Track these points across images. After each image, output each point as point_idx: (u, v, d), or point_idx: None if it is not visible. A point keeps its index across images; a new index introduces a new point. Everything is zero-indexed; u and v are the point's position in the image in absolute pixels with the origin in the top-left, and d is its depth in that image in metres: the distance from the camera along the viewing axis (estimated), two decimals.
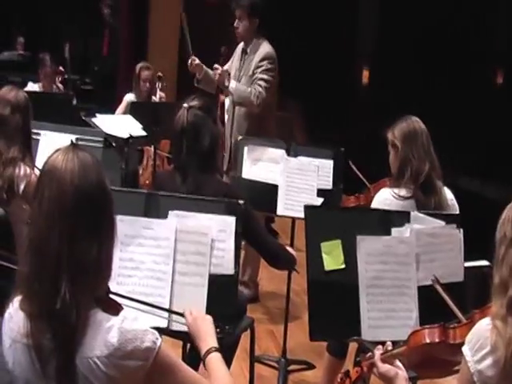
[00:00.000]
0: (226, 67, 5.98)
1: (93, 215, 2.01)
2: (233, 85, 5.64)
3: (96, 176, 2.04)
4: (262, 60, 5.66)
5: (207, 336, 2.44)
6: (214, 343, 2.41)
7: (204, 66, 5.83)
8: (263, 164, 4.74)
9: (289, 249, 3.97)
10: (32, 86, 8.34)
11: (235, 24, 5.78)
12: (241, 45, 5.94)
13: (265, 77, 5.60)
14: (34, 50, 11.46)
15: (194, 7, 10.28)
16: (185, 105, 3.68)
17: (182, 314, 2.58)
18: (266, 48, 5.73)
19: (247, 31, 5.77)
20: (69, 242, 1.96)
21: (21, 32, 13.37)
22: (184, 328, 2.58)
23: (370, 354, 2.59)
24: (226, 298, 3.03)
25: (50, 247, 1.97)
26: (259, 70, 5.63)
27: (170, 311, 2.76)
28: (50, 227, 1.97)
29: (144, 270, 3.00)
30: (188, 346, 3.29)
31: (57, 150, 2.06)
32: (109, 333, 1.99)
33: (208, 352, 2.38)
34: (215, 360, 2.36)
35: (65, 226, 1.97)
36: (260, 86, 5.56)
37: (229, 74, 5.77)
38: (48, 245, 1.97)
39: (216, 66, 5.76)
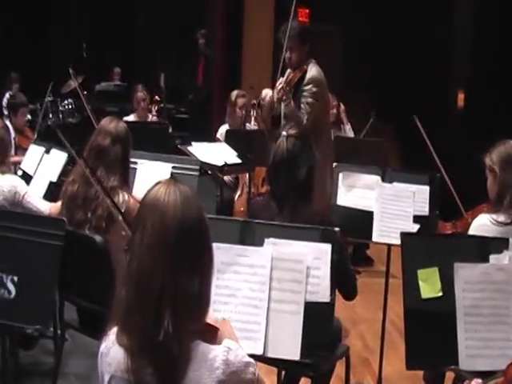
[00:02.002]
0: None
1: (194, 249, 2.03)
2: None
3: (197, 210, 2.06)
4: (307, 84, 5.75)
5: None
6: None
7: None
8: (358, 190, 4.70)
9: None
10: (125, 118, 8.48)
11: (287, 55, 5.83)
12: (289, 71, 5.97)
13: (309, 100, 5.71)
14: (130, 80, 11.72)
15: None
16: (283, 133, 3.68)
17: None
18: (312, 72, 5.80)
19: (300, 58, 5.84)
20: (172, 275, 1.97)
21: (117, 62, 13.69)
22: (280, 355, 2.57)
23: (466, 382, 2.54)
24: (322, 326, 3.01)
25: (153, 280, 1.98)
26: (305, 93, 5.74)
27: None
28: (153, 260, 1.98)
29: (240, 298, 3.01)
30: (283, 373, 3.28)
31: (158, 183, 2.09)
32: (213, 364, 1.99)
33: None
34: None
35: (168, 258, 1.98)
36: (305, 110, 5.67)
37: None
38: (151, 277, 1.98)
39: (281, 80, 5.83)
